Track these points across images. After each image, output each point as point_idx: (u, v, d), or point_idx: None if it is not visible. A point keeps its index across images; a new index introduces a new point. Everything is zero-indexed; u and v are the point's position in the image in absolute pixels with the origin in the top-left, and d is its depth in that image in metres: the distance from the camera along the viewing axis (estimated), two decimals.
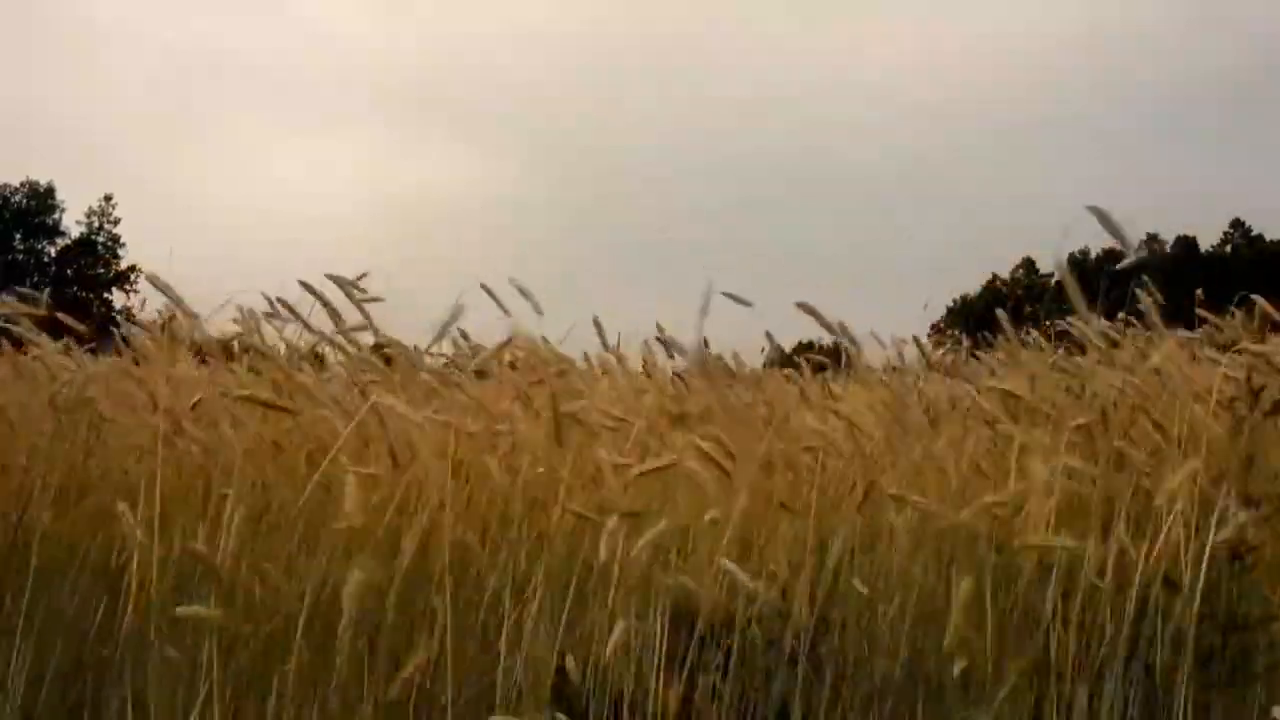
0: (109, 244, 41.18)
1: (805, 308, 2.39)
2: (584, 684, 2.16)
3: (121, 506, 2.12)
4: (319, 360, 2.75)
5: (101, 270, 40.46)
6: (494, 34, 72.21)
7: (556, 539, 2.26)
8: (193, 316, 2.39)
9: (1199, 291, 2.66)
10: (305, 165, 64.52)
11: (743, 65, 68.06)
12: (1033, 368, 2.48)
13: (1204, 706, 2.02)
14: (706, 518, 2.19)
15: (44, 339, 2.56)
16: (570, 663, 2.18)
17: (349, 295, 2.46)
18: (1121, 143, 64.46)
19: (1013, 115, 65.37)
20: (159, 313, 2.50)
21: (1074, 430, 2.22)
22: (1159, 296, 2.44)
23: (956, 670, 2.07)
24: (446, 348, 2.67)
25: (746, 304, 2.45)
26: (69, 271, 40.29)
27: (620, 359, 2.83)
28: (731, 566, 2.06)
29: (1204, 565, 1.98)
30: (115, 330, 2.63)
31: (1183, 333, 2.61)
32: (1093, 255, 49.03)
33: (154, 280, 2.36)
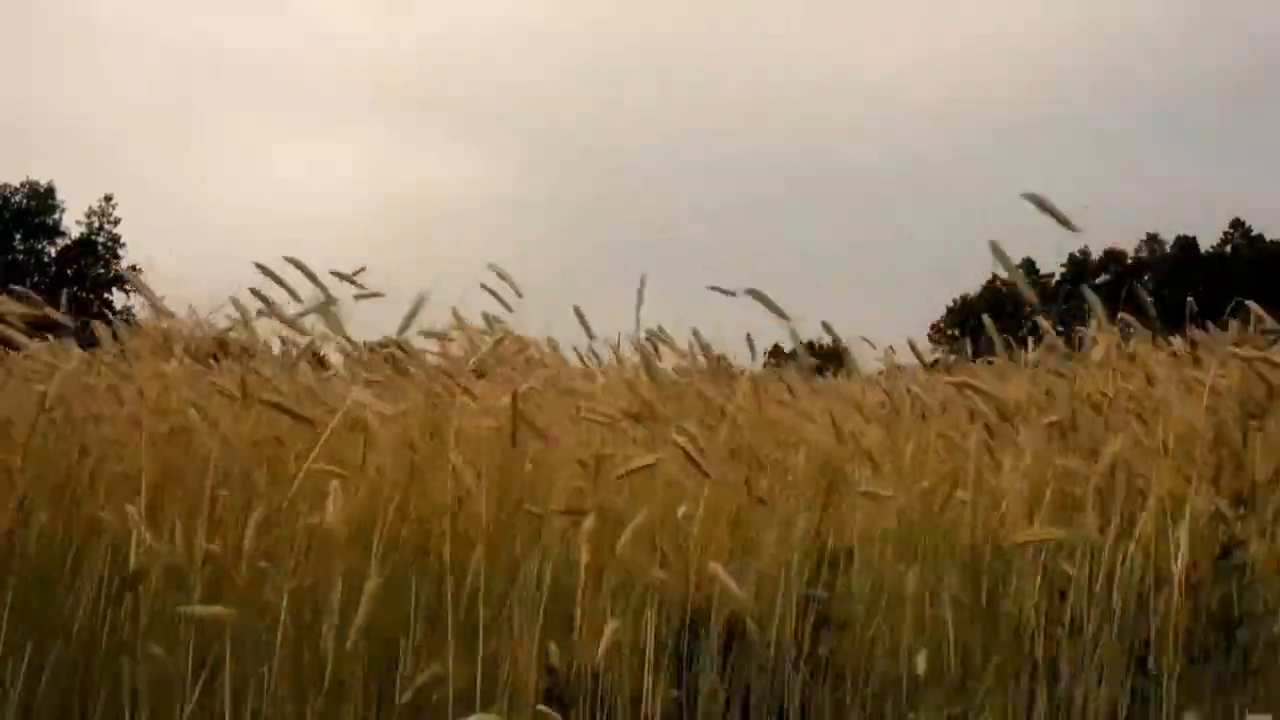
0: (109, 244, 41.20)
1: (757, 295, 2.38)
2: (572, 683, 2.16)
3: (130, 509, 2.11)
4: (318, 359, 2.75)
5: (101, 270, 40.45)
6: (494, 34, 72.23)
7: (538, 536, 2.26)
8: (169, 315, 2.38)
9: (1190, 300, 2.66)
10: (305, 165, 64.57)
11: (743, 65, 68.05)
12: (1019, 370, 2.49)
13: (1197, 703, 2.02)
14: (680, 513, 2.18)
15: (33, 339, 2.55)
16: (557, 659, 2.17)
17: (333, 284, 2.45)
18: (1121, 143, 64.45)
19: (1013, 115, 65.39)
20: (153, 312, 2.50)
21: (1046, 427, 2.23)
22: (1149, 309, 2.43)
23: (921, 664, 2.07)
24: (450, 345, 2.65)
25: (729, 293, 2.44)
26: (69, 271, 40.27)
27: (618, 356, 2.81)
28: (720, 571, 2.05)
29: (1193, 563, 1.99)
30: (108, 327, 2.61)
31: (1177, 340, 2.62)
32: (1093, 255, 48.98)
33: (135, 281, 2.35)
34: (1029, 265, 47.80)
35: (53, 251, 41.39)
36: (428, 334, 2.54)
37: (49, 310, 2.43)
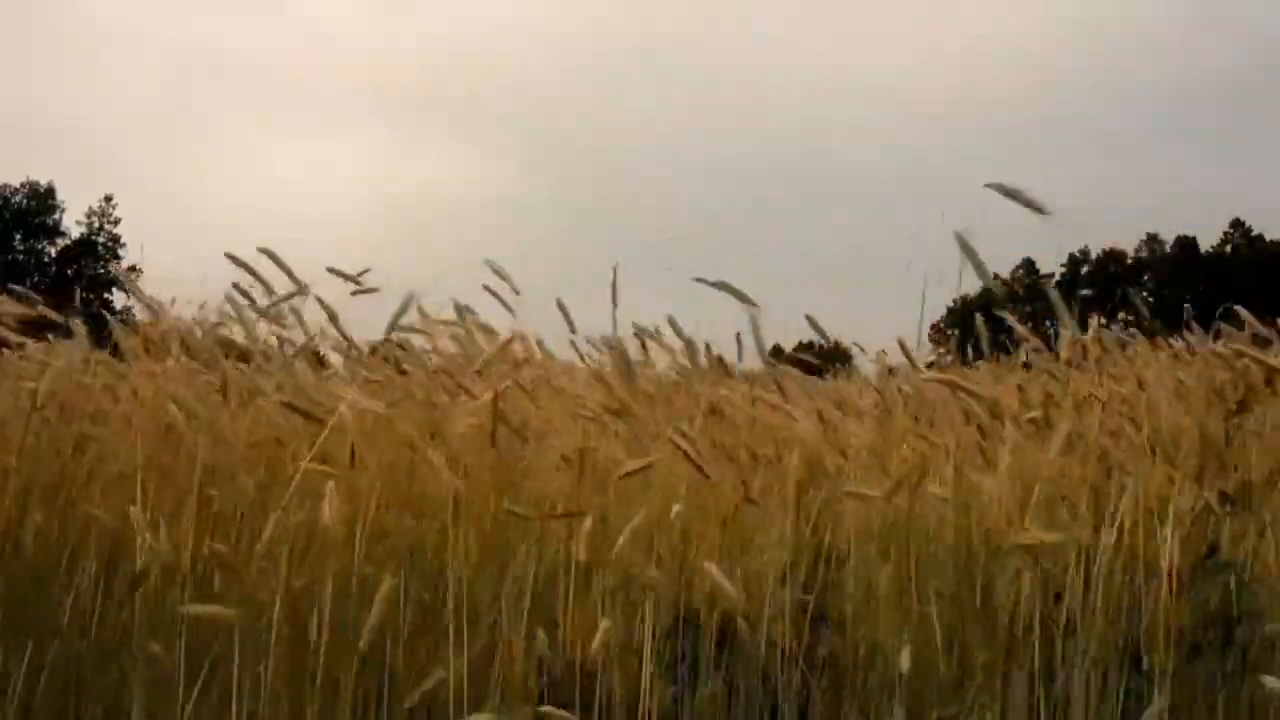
0: (109, 244, 41.20)
1: (723, 285, 2.37)
2: (567, 684, 2.16)
3: (133, 510, 2.11)
4: (317, 359, 2.74)
5: (102, 270, 40.45)
6: (494, 34, 72.23)
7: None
8: (161, 313, 2.38)
9: (1186, 306, 2.66)
10: (305, 165, 64.56)
11: (743, 65, 68.03)
12: (1010, 371, 2.49)
13: (1191, 700, 2.02)
14: (673, 513, 2.17)
15: (37, 339, 2.55)
16: (546, 647, 2.17)
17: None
18: (1121, 143, 64.45)
19: (1013, 115, 65.39)
20: (147, 310, 2.49)
21: (1029, 424, 2.24)
22: (1144, 311, 2.43)
23: (905, 662, 2.07)
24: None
25: (713, 285, 2.43)
26: (69, 272, 40.27)
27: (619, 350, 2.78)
28: (713, 570, 2.05)
29: (1181, 560, 1.99)
30: (94, 325, 2.61)
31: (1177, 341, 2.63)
32: (1093, 255, 48.99)
33: (129, 282, 2.35)
34: (1029, 265, 47.82)
35: (53, 251, 41.41)
36: (402, 329, 2.53)
37: (44, 309, 2.43)
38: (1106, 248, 49.20)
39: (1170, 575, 1.98)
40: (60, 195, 41.11)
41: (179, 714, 2.06)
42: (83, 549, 2.32)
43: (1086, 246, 48.24)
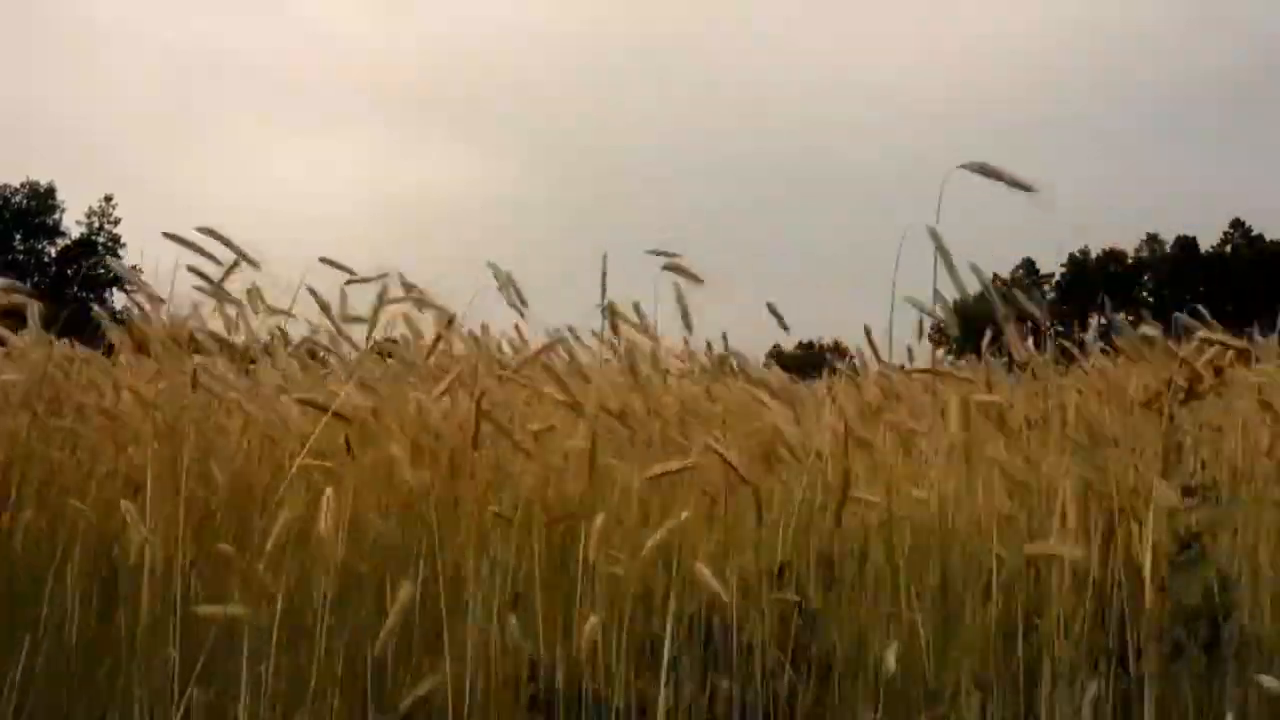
0: (109, 244, 41.19)
1: (673, 266, 2.36)
2: (557, 685, 2.16)
3: (125, 505, 2.11)
4: (314, 357, 2.73)
5: (102, 270, 40.42)
6: (494, 34, 72.21)
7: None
8: (153, 309, 2.38)
9: (1178, 315, 2.65)
10: (305, 165, 64.60)
11: (743, 65, 68.02)
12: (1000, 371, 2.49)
13: (1175, 699, 2.02)
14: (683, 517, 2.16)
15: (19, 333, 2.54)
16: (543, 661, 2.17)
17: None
18: (1121, 143, 64.45)
19: (1013, 115, 65.39)
20: (139, 309, 2.49)
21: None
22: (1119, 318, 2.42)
23: (891, 661, 2.07)
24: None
25: (669, 255, 2.42)
26: (69, 271, 40.26)
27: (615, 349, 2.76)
28: (705, 572, 2.05)
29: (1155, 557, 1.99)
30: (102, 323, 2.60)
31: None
32: (1093, 255, 49.00)
33: (130, 277, 2.35)
34: (1029, 265, 47.87)
35: (53, 251, 41.39)
36: (350, 319, 2.53)
37: (26, 299, 2.41)
38: (1106, 248, 49.26)
39: (1151, 573, 1.98)
40: (60, 195, 41.15)
41: (175, 713, 2.06)
42: (73, 546, 2.32)
43: (1086, 246, 48.31)
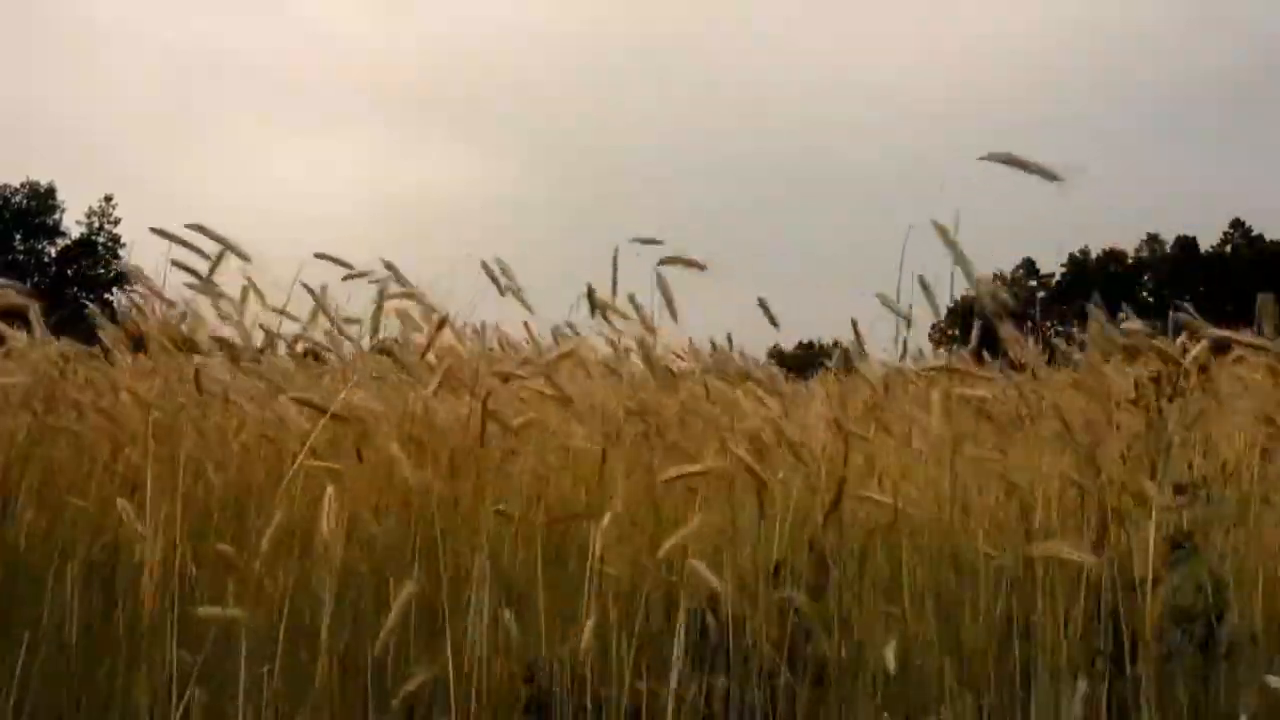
0: (109, 244, 41.17)
1: (642, 240, 2.35)
2: (554, 686, 2.16)
3: (122, 503, 2.11)
4: (313, 356, 2.73)
5: (101, 270, 40.43)
6: (494, 34, 72.26)
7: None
8: (170, 303, 2.38)
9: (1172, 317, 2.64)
10: (305, 165, 64.60)
11: (743, 65, 68.06)
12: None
13: (1171, 699, 2.01)
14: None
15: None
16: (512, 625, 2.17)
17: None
18: (1121, 143, 64.40)
19: (1013, 115, 65.35)
20: (135, 308, 2.49)
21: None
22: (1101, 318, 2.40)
23: (891, 660, 2.07)
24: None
25: (652, 242, 2.42)
26: (69, 272, 40.27)
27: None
28: (701, 567, 2.04)
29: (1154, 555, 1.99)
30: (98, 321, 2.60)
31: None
32: (1093, 255, 48.98)
33: (139, 277, 2.35)
34: (1029, 265, 47.88)
35: (53, 252, 41.39)
36: (351, 320, 2.53)
37: (24, 300, 2.41)
38: (1106, 248, 49.26)
39: (1148, 573, 1.98)
40: (60, 195, 41.15)
41: (175, 713, 2.06)
42: (72, 545, 2.32)
43: (1086, 246, 48.32)
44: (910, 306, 2.23)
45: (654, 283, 2.46)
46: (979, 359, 2.57)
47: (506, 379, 2.35)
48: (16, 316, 2.47)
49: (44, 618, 2.27)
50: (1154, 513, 2.03)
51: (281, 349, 2.65)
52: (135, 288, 2.45)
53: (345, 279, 2.47)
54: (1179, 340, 2.30)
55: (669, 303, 2.46)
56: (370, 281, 2.47)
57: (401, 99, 70.10)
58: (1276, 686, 1.92)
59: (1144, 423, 2.15)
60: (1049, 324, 2.61)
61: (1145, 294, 45.54)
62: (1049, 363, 2.52)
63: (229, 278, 2.42)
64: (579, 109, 70.19)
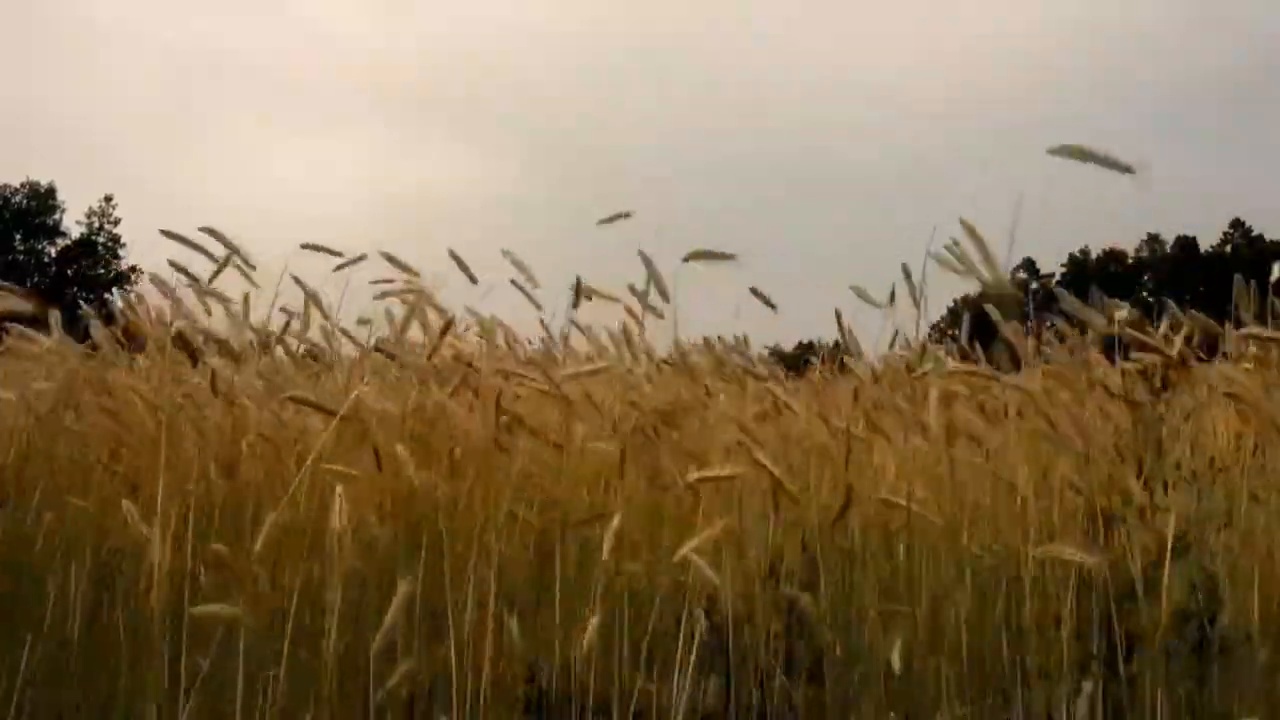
0: (109, 244, 41.18)
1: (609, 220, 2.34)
2: (553, 687, 2.16)
3: (126, 505, 2.11)
4: (312, 357, 2.73)
5: (101, 271, 40.42)
6: (494, 34, 72.24)
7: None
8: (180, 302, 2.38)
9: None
10: (305, 165, 64.59)
11: (743, 65, 68.04)
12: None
13: (1167, 700, 2.01)
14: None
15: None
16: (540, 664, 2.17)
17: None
18: (1121, 143, 64.07)
19: (1013, 115, 65.37)
20: (132, 308, 2.48)
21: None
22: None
23: (896, 660, 2.06)
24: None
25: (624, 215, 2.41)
26: (69, 272, 40.25)
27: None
28: (700, 562, 2.04)
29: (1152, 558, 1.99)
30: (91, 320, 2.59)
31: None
32: (1093, 255, 48.98)
33: (155, 280, 2.35)
34: (1029, 265, 47.83)
35: (53, 252, 41.37)
36: (363, 321, 2.54)
37: (29, 303, 2.41)
38: (1106, 248, 49.25)
39: (1137, 571, 1.98)
40: (60, 195, 41.13)
41: (181, 714, 2.06)
42: (75, 544, 2.31)
43: (1087, 246, 48.33)
44: (893, 298, 2.23)
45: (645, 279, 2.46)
46: (969, 355, 2.56)
47: (507, 376, 2.35)
48: (33, 320, 2.47)
49: (47, 617, 2.27)
50: (1146, 513, 2.03)
51: (278, 349, 2.64)
52: (133, 288, 2.46)
53: (337, 269, 2.46)
54: (1162, 329, 2.29)
55: (658, 282, 2.45)
56: (383, 290, 2.47)
57: (401, 99, 70.17)
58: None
59: (1131, 419, 2.15)
60: (1049, 323, 2.60)
61: (1145, 294, 45.49)
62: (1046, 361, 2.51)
63: (228, 277, 2.42)
64: (579, 109, 70.26)
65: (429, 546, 2.20)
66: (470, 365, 2.35)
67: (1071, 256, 48.04)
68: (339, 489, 1.97)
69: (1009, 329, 2.32)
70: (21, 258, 40.17)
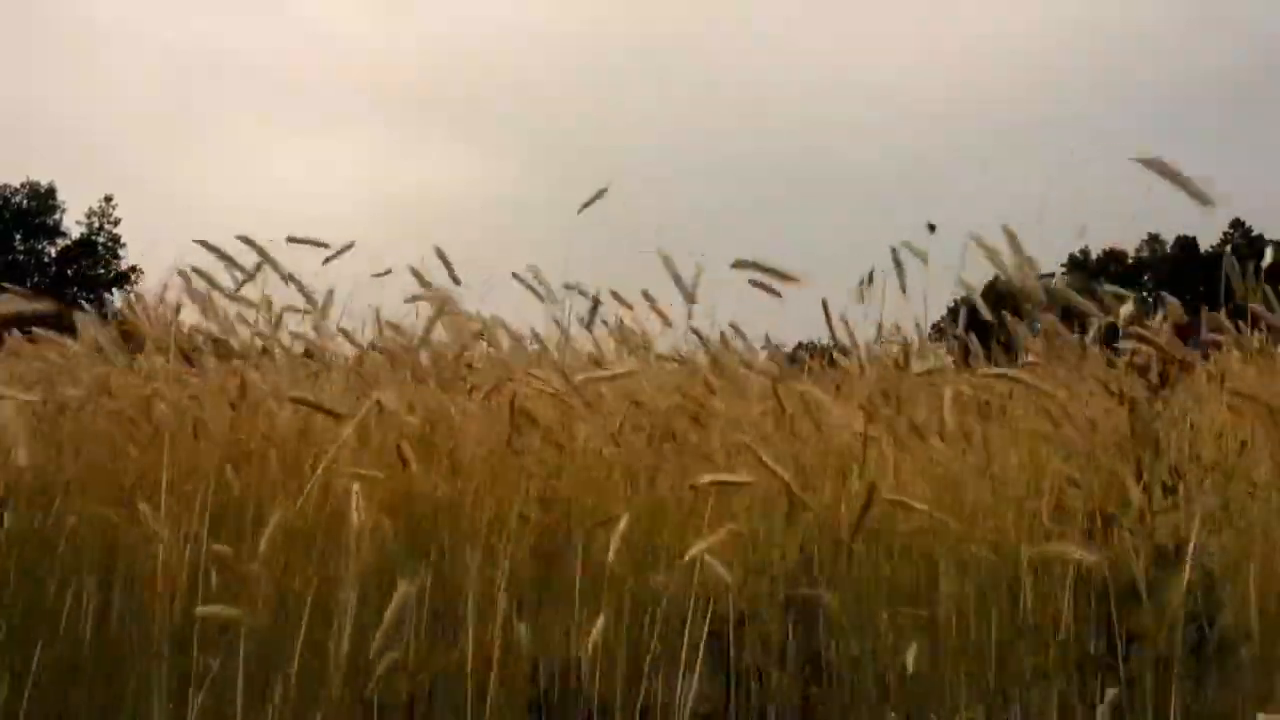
0: (109, 244, 41.18)
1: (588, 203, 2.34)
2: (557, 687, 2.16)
3: (143, 506, 2.11)
4: (308, 355, 2.73)
5: (102, 271, 40.42)
6: (494, 34, 72.28)
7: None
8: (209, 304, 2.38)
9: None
10: (305, 165, 64.56)
11: (743, 65, 68.09)
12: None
13: (1165, 703, 2.01)
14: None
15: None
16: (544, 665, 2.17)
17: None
18: (1121, 143, 64.38)
19: (1013, 115, 65.40)
20: (130, 307, 2.49)
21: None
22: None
23: (910, 662, 2.06)
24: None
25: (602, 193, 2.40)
26: (69, 272, 40.25)
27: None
28: (714, 561, 2.04)
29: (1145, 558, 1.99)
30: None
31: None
32: (1093, 255, 48.95)
33: (183, 274, 2.35)
34: (1030, 265, 47.71)
35: (53, 252, 41.37)
36: (390, 324, 2.54)
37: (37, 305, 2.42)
38: (1106, 248, 49.26)
39: (1136, 573, 1.98)
40: (60, 195, 41.14)
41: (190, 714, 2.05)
42: (86, 547, 2.31)
43: (1087, 246, 48.33)
44: (870, 279, 2.23)
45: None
46: (965, 352, 2.57)
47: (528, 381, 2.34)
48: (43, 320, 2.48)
49: (63, 616, 2.27)
50: (1146, 516, 2.03)
51: (279, 349, 2.64)
52: (133, 288, 2.46)
53: (326, 262, 2.46)
54: (1158, 320, 2.29)
55: (678, 281, 2.44)
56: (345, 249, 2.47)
57: (401, 99, 70.17)
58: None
59: (1129, 419, 2.14)
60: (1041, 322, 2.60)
61: (1146, 294, 45.52)
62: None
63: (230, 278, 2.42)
64: (579, 109, 70.26)
65: (437, 547, 2.20)
66: (505, 372, 2.35)
67: (1071, 256, 48.09)
68: (355, 487, 1.97)
69: (1047, 322, 2.32)
70: (21, 258, 40.17)
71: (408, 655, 2.16)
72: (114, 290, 38.22)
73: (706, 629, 2.15)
